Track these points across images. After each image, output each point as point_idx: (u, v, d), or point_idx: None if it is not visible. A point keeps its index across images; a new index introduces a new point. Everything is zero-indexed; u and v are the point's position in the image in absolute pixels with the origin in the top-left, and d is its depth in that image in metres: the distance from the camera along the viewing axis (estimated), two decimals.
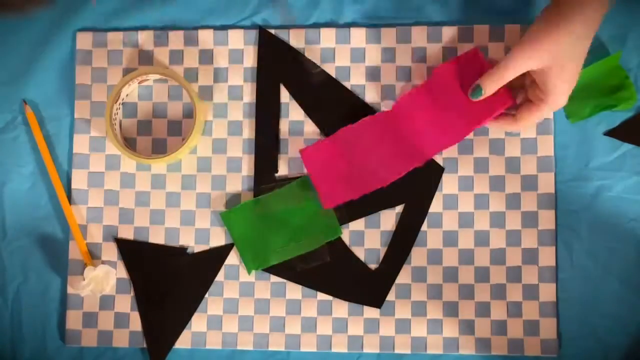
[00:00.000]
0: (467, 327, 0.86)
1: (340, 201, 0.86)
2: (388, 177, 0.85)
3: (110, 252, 0.90)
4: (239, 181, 0.90)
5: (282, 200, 0.88)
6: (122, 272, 0.90)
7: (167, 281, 0.89)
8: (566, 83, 0.77)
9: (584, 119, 0.87)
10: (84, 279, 0.87)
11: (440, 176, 0.87)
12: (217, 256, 0.89)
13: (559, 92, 0.78)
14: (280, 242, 0.87)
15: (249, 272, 0.87)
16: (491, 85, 0.79)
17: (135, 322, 0.89)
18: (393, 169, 0.85)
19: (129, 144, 0.91)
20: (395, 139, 0.86)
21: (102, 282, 0.88)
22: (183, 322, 0.89)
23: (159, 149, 0.91)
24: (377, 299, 0.87)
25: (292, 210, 0.88)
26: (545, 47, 0.75)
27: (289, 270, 0.88)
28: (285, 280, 0.88)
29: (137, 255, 0.89)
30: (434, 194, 0.87)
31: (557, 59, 0.75)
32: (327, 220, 0.87)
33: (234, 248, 0.89)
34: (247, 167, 0.90)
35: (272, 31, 0.90)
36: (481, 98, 0.80)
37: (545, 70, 0.76)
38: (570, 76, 0.77)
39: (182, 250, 0.89)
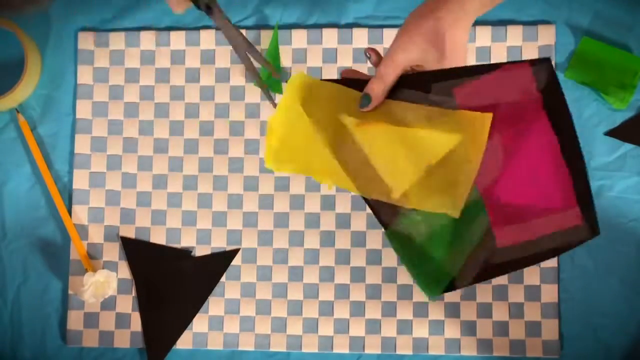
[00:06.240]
0: (469, 328, 0.86)
1: None
2: None
3: (112, 252, 0.90)
4: (240, 182, 0.89)
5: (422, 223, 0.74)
6: (123, 273, 0.89)
7: (170, 282, 0.89)
8: (452, 62, 0.71)
9: (576, 82, 0.88)
10: (83, 285, 0.87)
11: None
12: (221, 260, 0.89)
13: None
14: (444, 250, 0.73)
15: (432, 299, 0.77)
16: (378, 89, 0.71)
17: (137, 323, 0.89)
18: None
19: None
20: None
21: (104, 286, 0.88)
22: (183, 323, 0.88)
23: None
24: None
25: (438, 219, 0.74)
26: (416, 34, 0.69)
27: (480, 267, 0.73)
28: (286, 281, 0.88)
29: (140, 255, 0.89)
30: None
31: (430, 51, 0.70)
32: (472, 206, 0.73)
33: (240, 252, 0.89)
34: (248, 167, 0.90)
35: (271, 32, 0.90)
36: (372, 106, 0.72)
37: (425, 59, 0.71)
38: (451, 57, 0.71)
39: (187, 252, 0.89)
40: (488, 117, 0.71)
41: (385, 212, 0.73)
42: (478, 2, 0.70)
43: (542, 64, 0.70)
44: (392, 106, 0.73)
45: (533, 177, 0.71)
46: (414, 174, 0.72)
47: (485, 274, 0.71)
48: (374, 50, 0.74)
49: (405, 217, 0.73)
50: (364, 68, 0.89)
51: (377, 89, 0.70)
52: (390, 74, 0.70)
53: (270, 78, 0.89)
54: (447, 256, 0.72)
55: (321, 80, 0.74)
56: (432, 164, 0.72)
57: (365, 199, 0.73)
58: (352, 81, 0.74)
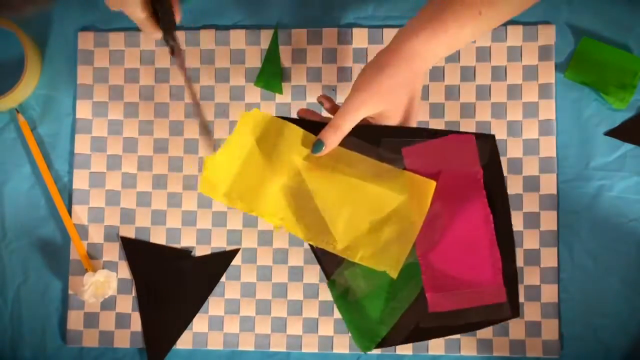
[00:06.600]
0: None
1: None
2: None
3: (112, 252, 0.90)
4: None
5: (362, 276, 0.77)
6: (123, 273, 0.89)
7: (170, 282, 0.89)
8: (406, 120, 0.74)
9: (576, 82, 0.88)
10: (83, 285, 0.87)
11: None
12: (221, 260, 0.89)
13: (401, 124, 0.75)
14: (379, 308, 0.76)
15: (365, 352, 0.78)
16: (331, 138, 0.72)
17: (137, 323, 0.89)
18: None
19: None
20: None
21: (104, 286, 0.88)
22: (183, 323, 0.88)
23: None
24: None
25: (373, 274, 0.76)
26: (375, 92, 0.70)
27: (411, 329, 0.76)
28: (286, 281, 0.88)
29: (141, 255, 0.89)
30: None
31: (388, 104, 0.71)
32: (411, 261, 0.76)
33: (240, 252, 0.89)
34: None
35: (271, 32, 0.90)
36: (324, 152, 0.72)
37: (380, 114, 0.72)
38: (404, 118, 0.74)
39: (187, 252, 0.89)
40: (432, 184, 0.73)
41: (329, 262, 0.76)
42: (438, 56, 0.72)
43: (486, 139, 0.73)
44: (344, 154, 0.74)
45: (467, 249, 0.74)
46: (358, 227, 0.74)
47: (414, 336, 0.75)
48: (326, 97, 0.77)
49: (348, 270, 0.76)
50: None
51: (331, 137, 0.72)
52: (346, 126, 0.72)
53: (269, 79, 0.89)
54: (381, 315, 0.75)
55: (277, 117, 0.75)
56: (376, 220, 0.74)
57: (311, 246, 0.75)
58: (308, 122, 0.75)
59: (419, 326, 0.75)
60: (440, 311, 0.74)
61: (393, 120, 0.73)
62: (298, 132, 0.74)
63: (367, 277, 0.75)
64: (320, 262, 0.76)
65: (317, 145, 0.72)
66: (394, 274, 0.74)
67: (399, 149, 0.74)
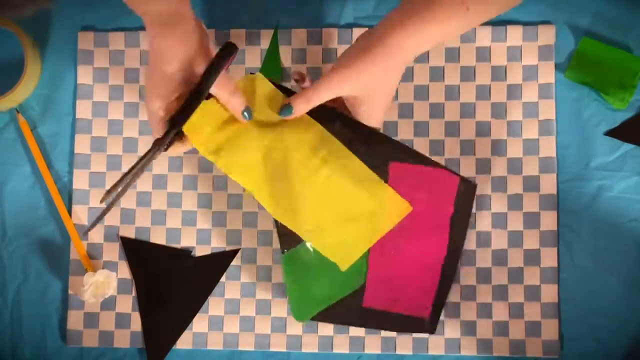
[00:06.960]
0: (469, 328, 0.86)
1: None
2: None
3: (112, 252, 0.90)
4: None
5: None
6: (123, 273, 0.89)
7: (170, 282, 0.88)
8: (375, 113, 0.75)
9: (576, 82, 0.88)
10: (83, 285, 0.87)
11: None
12: (221, 260, 0.89)
13: (367, 119, 0.76)
14: (322, 289, 0.81)
15: (298, 320, 0.82)
16: (301, 106, 0.73)
17: (137, 323, 0.89)
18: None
19: None
20: None
21: (104, 286, 0.88)
22: (183, 323, 0.88)
23: None
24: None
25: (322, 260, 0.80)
26: (355, 74, 0.71)
27: (341, 315, 0.83)
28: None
29: (141, 255, 0.89)
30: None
31: (366, 89, 0.72)
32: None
33: (239, 253, 0.89)
34: None
35: (271, 32, 0.90)
36: (291, 117, 0.74)
37: (356, 97, 0.73)
38: (379, 107, 0.75)
39: (187, 252, 0.89)
40: (407, 208, 0.79)
41: (288, 238, 0.79)
42: (422, 49, 0.72)
43: (469, 185, 0.81)
44: (336, 146, 0.77)
45: (413, 269, 0.82)
46: (326, 216, 0.78)
47: (341, 320, 0.83)
48: (300, 73, 0.78)
49: (304, 248, 0.79)
50: None
51: (301, 105, 0.74)
52: (318, 100, 0.74)
53: (271, 72, 0.89)
54: (321, 296, 0.81)
55: (275, 88, 0.77)
56: (344, 215, 0.78)
57: (275, 220, 0.78)
58: (289, 91, 0.77)
59: (348, 314, 0.82)
60: (371, 308, 0.82)
61: (366, 107, 0.74)
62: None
63: (318, 259, 0.79)
64: (279, 236, 0.79)
65: (287, 109, 0.74)
66: (343, 268, 0.80)
67: (387, 161, 0.79)
